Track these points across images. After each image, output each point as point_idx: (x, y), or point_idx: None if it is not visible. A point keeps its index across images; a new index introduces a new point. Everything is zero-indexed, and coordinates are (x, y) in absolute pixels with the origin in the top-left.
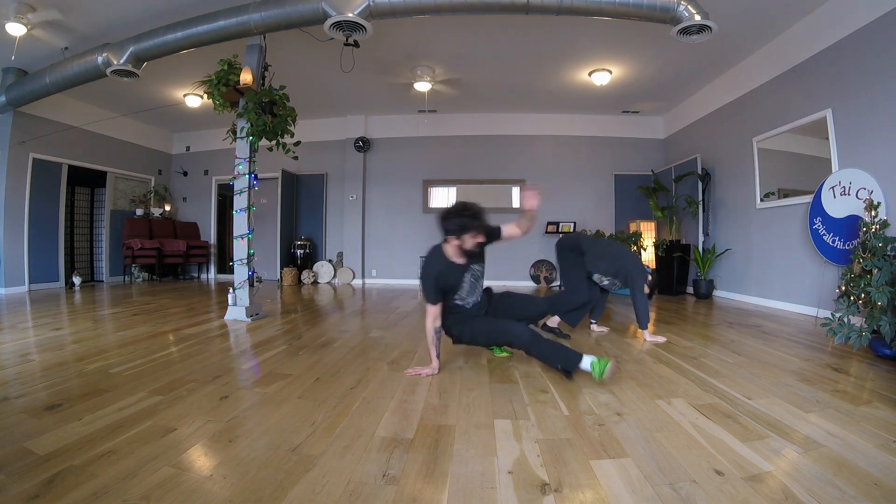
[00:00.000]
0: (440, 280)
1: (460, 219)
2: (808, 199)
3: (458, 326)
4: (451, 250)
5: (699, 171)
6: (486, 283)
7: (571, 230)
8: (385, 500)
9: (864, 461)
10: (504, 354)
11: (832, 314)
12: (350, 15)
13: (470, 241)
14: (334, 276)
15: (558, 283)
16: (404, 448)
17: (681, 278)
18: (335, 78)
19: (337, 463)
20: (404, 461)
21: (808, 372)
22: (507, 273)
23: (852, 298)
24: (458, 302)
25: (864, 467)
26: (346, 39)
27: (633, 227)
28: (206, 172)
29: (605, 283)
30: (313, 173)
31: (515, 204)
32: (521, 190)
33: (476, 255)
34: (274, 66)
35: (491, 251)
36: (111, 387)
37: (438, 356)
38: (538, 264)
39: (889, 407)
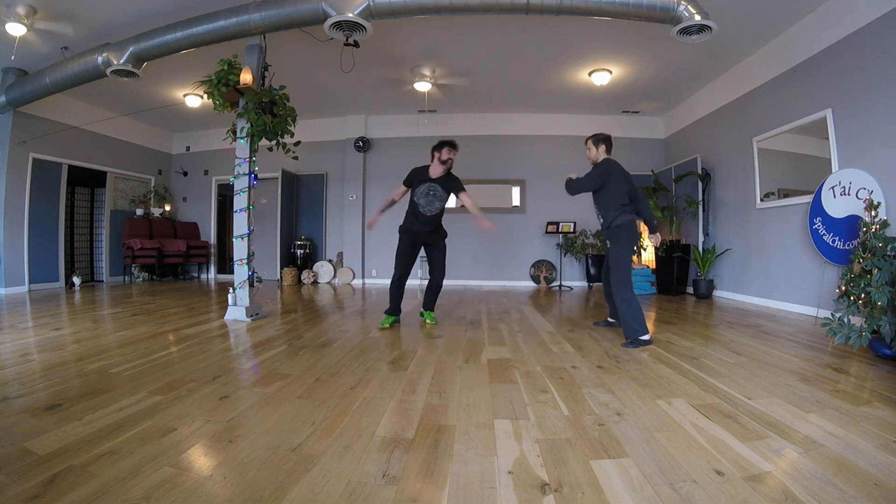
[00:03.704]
0: (413, 174)
1: (440, 142)
2: (808, 199)
3: (408, 221)
4: (433, 166)
5: (699, 171)
6: (487, 283)
7: (571, 230)
8: (385, 500)
9: (864, 461)
10: (426, 319)
11: (832, 314)
12: (350, 15)
13: (445, 155)
14: (334, 276)
15: (558, 282)
16: (404, 448)
17: (681, 278)
18: (335, 78)
19: (337, 463)
20: (404, 461)
21: (808, 372)
22: (508, 273)
23: (852, 298)
24: (417, 200)
25: (864, 467)
26: (346, 39)
27: None
28: (206, 172)
29: None
30: (313, 173)
31: (515, 202)
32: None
33: (443, 184)
34: (274, 66)
35: (491, 251)
36: (111, 387)
37: (380, 212)
38: (538, 264)
39: (889, 407)
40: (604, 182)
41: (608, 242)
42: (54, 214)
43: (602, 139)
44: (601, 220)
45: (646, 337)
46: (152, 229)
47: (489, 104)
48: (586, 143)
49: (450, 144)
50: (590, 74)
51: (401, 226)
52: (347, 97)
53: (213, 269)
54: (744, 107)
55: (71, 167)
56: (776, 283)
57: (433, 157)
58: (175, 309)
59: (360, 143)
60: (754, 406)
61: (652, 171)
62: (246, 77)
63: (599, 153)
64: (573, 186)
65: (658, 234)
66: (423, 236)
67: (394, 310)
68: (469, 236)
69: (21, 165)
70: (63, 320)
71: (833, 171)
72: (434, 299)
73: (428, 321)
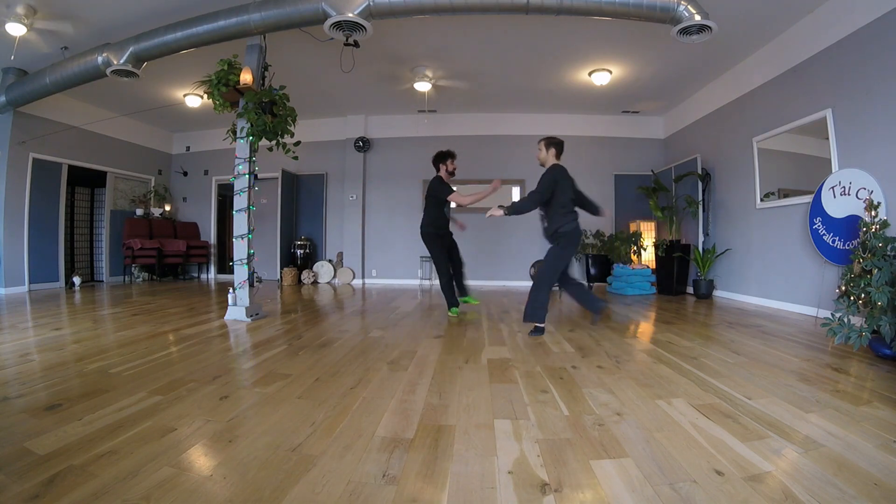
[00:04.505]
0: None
1: (446, 153)
2: (808, 199)
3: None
4: (444, 174)
5: (699, 171)
6: (487, 283)
7: None
8: (385, 500)
9: (864, 461)
10: (470, 302)
11: (832, 314)
12: (350, 15)
13: (451, 166)
14: (334, 276)
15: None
16: (404, 448)
17: (681, 278)
18: (335, 78)
19: (337, 463)
20: (404, 461)
21: (808, 372)
22: (508, 273)
23: (852, 298)
24: (445, 209)
25: (864, 467)
26: (346, 39)
27: (633, 227)
28: (206, 172)
29: None
30: (313, 173)
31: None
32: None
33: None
34: (274, 66)
35: (491, 250)
36: (111, 387)
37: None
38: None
39: (889, 407)
40: (553, 190)
41: (551, 244)
42: (54, 214)
43: (554, 143)
44: (545, 225)
45: (540, 325)
46: (152, 229)
47: (489, 104)
48: (539, 143)
49: (453, 155)
50: (590, 74)
51: (429, 236)
52: (347, 97)
53: (213, 269)
54: (744, 107)
55: (71, 167)
56: (776, 283)
57: (439, 168)
58: (175, 309)
59: (360, 143)
60: (754, 406)
61: (652, 171)
62: (246, 77)
63: (549, 156)
64: (525, 204)
65: (604, 212)
66: (447, 236)
67: (454, 302)
68: (469, 236)
69: (21, 165)
70: (63, 320)
71: (833, 171)
72: (465, 284)
73: (473, 303)
